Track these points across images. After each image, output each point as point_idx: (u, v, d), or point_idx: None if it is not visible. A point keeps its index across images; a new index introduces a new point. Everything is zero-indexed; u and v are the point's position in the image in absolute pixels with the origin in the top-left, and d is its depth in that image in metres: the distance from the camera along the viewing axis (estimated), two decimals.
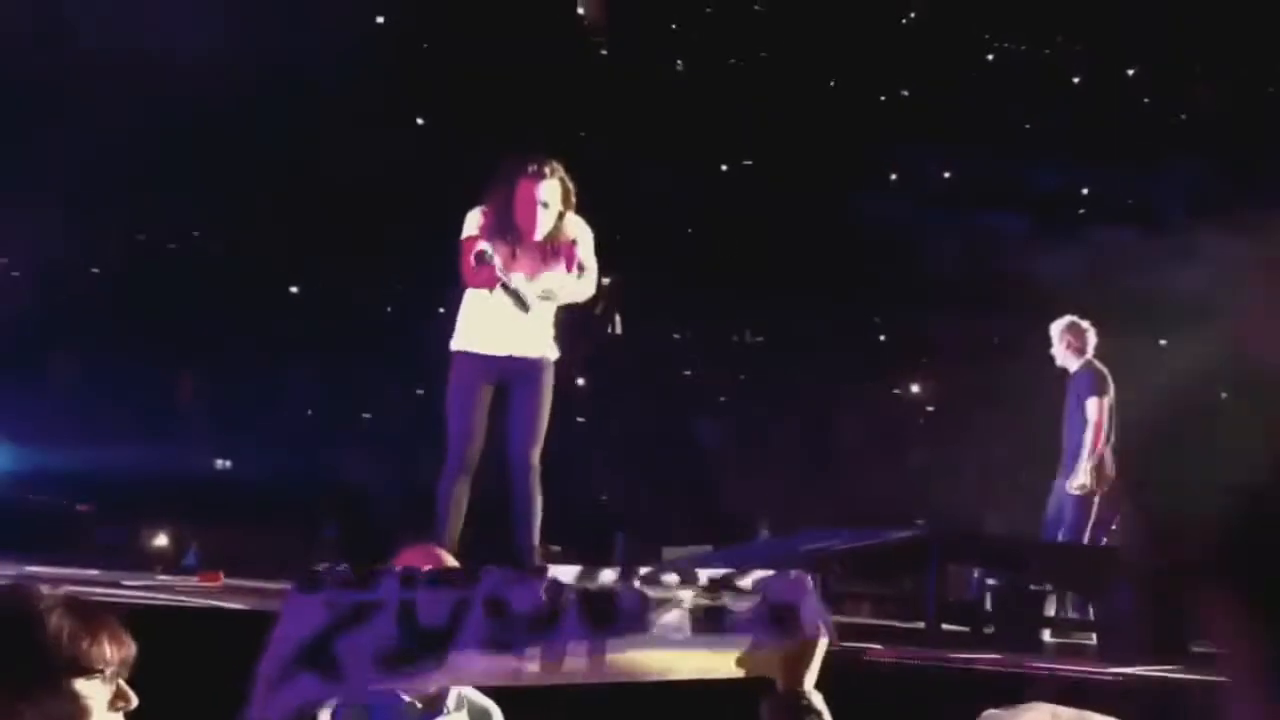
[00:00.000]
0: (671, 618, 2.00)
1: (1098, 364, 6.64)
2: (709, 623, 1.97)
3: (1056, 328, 6.70)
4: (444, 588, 2.11)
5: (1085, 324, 6.71)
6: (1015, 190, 22.34)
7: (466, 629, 2.05)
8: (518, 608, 2.11)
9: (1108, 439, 6.50)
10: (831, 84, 19.16)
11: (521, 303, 4.31)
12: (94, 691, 1.68)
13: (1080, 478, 6.42)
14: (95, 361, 13.86)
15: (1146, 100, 21.45)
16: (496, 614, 2.08)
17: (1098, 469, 6.43)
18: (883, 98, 20.53)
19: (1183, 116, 21.22)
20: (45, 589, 1.74)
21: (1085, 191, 22.60)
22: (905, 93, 20.85)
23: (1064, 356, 6.66)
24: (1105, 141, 22.06)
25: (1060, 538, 6.45)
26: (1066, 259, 22.95)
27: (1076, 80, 20.59)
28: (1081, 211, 22.47)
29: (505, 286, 4.31)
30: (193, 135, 12.36)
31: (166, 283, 14.34)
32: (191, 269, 14.77)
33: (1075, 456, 6.44)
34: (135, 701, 1.71)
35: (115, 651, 1.70)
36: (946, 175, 22.74)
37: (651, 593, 1.99)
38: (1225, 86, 18.60)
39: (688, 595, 2.04)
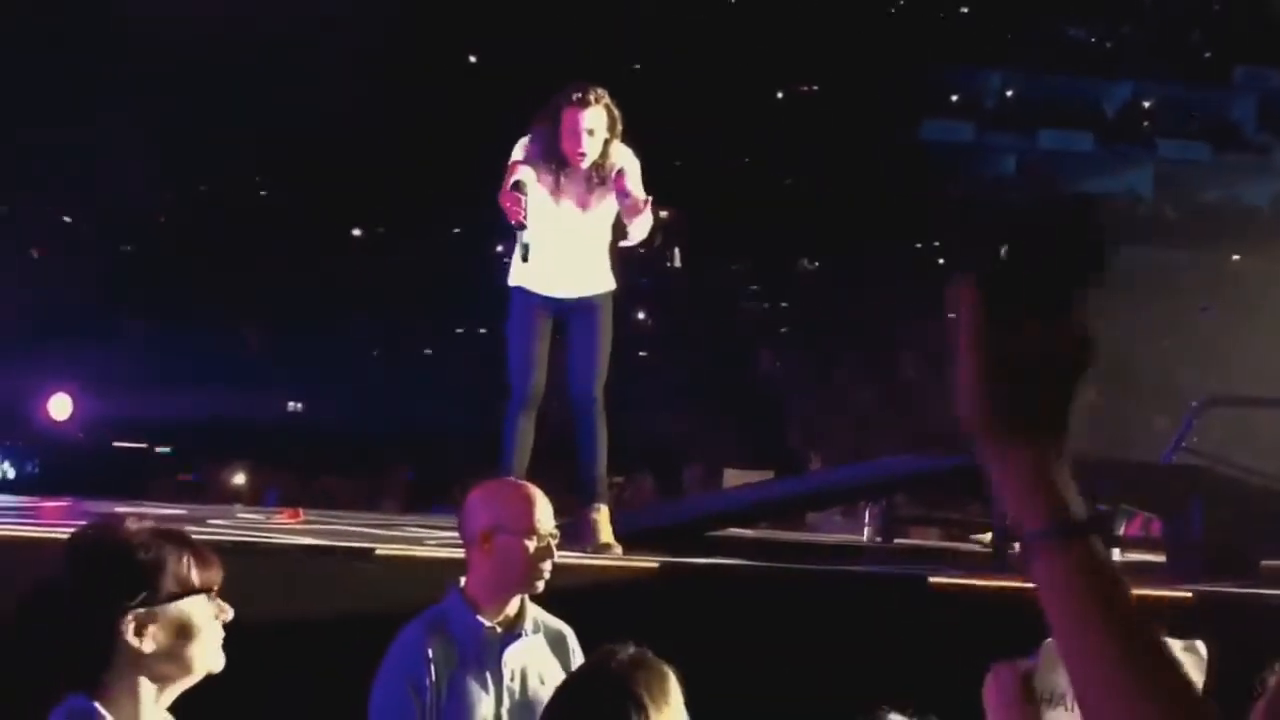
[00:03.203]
0: None
1: None
2: None
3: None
4: None
5: None
6: (1080, 109, 21.81)
7: None
8: None
9: None
10: (890, 6, 18.77)
11: (525, 253, 4.29)
12: (200, 609, 1.80)
13: None
14: (168, 310, 14.16)
15: (1216, 8, 20.75)
16: None
17: None
18: (941, 15, 20.07)
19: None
20: (132, 522, 1.83)
21: (1148, 105, 21.99)
22: (964, 10, 20.36)
23: None
24: (1172, 54, 21.38)
25: None
26: (1133, 177, 22.40)
27: None
28: (1146, 124, 21.90)
29: (521, 226, 4.25)
30: (248, 80, 12.46)
31: (233, 229, 14.55)
32: (255, 215, 14.97)
33: None
34: (231, 613, 1.83)
35: (210, 570, 1.82)
36: (1009, 95, 22.26)
37: None
38: None
39: None
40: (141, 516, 1.86)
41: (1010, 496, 0.97)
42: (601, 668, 1.83)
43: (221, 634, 1.82)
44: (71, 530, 1.86)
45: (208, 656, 1.80)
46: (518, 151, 4.41)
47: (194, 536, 1.90)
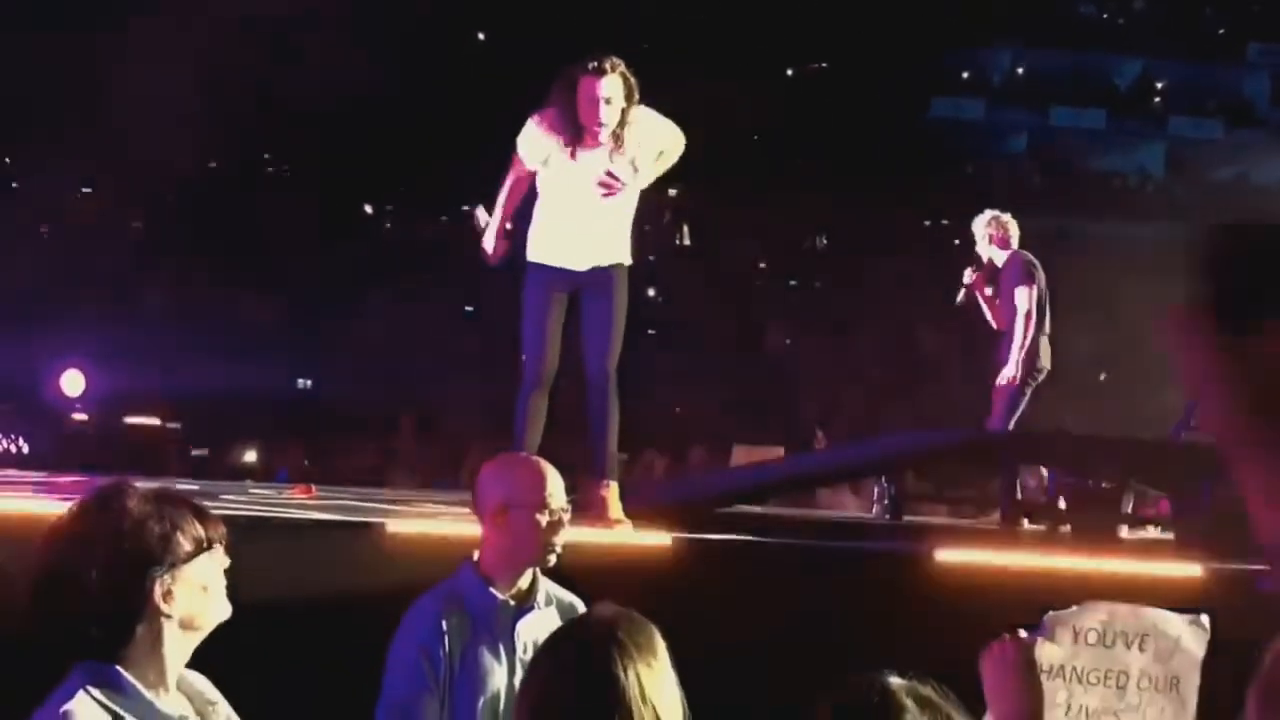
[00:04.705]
0: None
1: (1025, 253, 6.60)
2: None
3: (979, 223, 6.67)
4: None
5: (1006, 216, 6.66)
6: (1091, 86, 21.68)
7: None
8: None
9: (1040, 327, 6.46)
10: None
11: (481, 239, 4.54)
12: (212, 563, 1.87)
13: (1009, 369, 6.41)
14: (179, 289, 14.19)
15: None
16: None
17: (1031, 357, 6.42)
18: None
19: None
20: (130, 490, 1.86)
21: (1160, 83, 21.85)
22: None
23: (989, 250, 6.64)
24: (1185, 30, 21.22)
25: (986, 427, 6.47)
26: (1144, 155, 22.28)
27: None
28: (1158, 101, 21.76)
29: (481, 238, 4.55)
30: (260, 57, 12.44)
31: (243, 207, 14.56)
32: (265, 192, 14.98)
33: (1009, 347, 6.43)
34: (228, 560, 1.90)
35: (213, 524, 1.89)
36: (1020, 72, 22.15)
37: None
38: None
39: None
40: (132, 484, 1.89)
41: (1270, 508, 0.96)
42: (584, 623, 1.83)
43: (224, 582, 1.88)
44: (72, 506, 1.85)
45: (220, 607, 1.87)
46: (520, 141, 4.42)
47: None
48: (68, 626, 1.78)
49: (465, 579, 2.70)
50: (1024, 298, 6.41)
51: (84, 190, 15.39)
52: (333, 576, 3.69)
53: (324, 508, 4.68)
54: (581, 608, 2.73)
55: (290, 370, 14.41)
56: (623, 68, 4.33)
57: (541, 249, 4.50)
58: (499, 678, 2.62)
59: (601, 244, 4.47)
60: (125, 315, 13.24)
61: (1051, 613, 2.08)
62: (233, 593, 1.91)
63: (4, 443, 9.90)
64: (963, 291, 6.68)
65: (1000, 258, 6.59)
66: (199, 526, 1.84)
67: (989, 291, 6.66)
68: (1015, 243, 6.61)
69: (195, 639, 1.86)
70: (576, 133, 4.35)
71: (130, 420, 10.71)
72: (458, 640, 2.60)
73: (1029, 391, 6.50)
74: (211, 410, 11.55)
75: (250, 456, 11.47)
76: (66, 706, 1.73)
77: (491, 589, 2.68)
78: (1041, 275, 6.51)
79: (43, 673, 1.81)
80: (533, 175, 4.50)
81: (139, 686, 1.78)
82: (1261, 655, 1.72)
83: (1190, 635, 2.07)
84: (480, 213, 4.65)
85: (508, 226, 4.62)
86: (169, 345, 12.30)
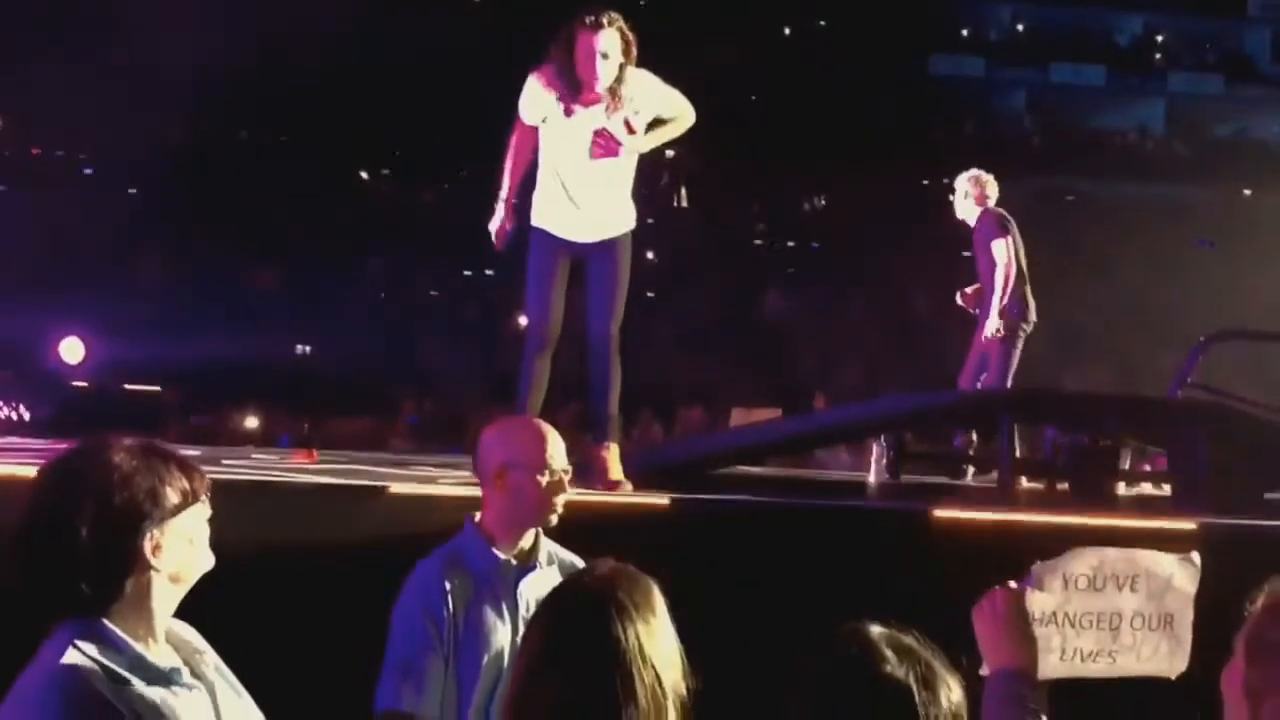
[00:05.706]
0: None
1: (996, 208, 6.64)
2: None
3: (961, 180, 6.70)
4: None
5: (988, 176, 6.70)
6: (1091, 41, 21.53)
7: None
8: None
9: (1021, 278, 6.46)
10: None
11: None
12: (197, 515, 1.87)
13: (992, 321, 6.43)
14: (178, 256, 14.17)
15: None
16: None
17: (1019, 309, 6.42)
18: None
19: None
20: (115, 445, 1.83)
21: (1160, 38, 21.70)
22: None
23: (966, 208, 6.68)
24: None
25: (981, 384, 6.52)
26: (1144, 111, 22.15)
27: None
28: (1159, 57, 21.63)
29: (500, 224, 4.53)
30: (258, 23, 12.35)
31: (241, 173, 14.51)
32: (264, 158, 14.92)
33: (989, 302, 6.46)
34: (209, 510, 1.90)
35: (197, 476, 1.88)
36: (1019, 28, 22.00)
37: None
38: None
39: None
40: (117, 438, 1.86)
41: None
42: (582, 581, 1.83)
43: (208, 532, 1.88)
44: (56, 461, 1.83)
45: (204, 558, 1.88)
46: (521, 103, 4.41)
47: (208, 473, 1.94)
48: (57, 582, 1.76)
49: (467, 539, 2.73)
50: (1000, 249, 6.46)
51: (80, 156, 15.33)
52: (336, 539, 3.72)
53: (326, 472, 4.70)
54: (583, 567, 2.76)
55: (289, 336, 14.41)
56: (620, 22, 4.32)
57: (545, 215, 4.50)
58: (502, 637, 2.65)
59: (605, 212, 4.46)
60: (124, 282, 13.24)
61: (1039, 562, 2.10)
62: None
63: (4, 410, 9.93)
64: (973, 308, 6.70)
65: (973, 215, 6.63)
66: (183, 479, 1.83)
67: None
68: (992, 202, 6.65)
69: (181, 591, 1.86)
70: (574, 88, 4.33)
71: (130, 387, 10.74)
72: (461, 600, 2.63)
73: (1020, 344, 6.54)
74: (212, 377, 11.56)
75: (251, 422, 11.50)
76: (58, 662, 1.73)
77: (494, 549, 2.70)
78: (1014, 227, 6.55)
79: (30, 628, 1.80)
80: (536, 133, 4.49)
81: (129, 640, 1.78)
82: (1250, 598, 1.75)
83: (1182, 573, 2.09)
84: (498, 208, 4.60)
85: (514, 202, 4.58)
86: (168, 312, 12.30)
